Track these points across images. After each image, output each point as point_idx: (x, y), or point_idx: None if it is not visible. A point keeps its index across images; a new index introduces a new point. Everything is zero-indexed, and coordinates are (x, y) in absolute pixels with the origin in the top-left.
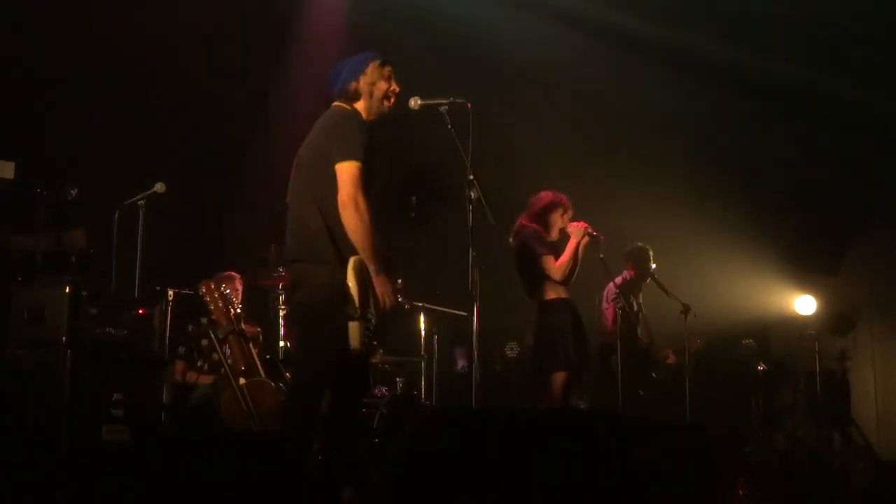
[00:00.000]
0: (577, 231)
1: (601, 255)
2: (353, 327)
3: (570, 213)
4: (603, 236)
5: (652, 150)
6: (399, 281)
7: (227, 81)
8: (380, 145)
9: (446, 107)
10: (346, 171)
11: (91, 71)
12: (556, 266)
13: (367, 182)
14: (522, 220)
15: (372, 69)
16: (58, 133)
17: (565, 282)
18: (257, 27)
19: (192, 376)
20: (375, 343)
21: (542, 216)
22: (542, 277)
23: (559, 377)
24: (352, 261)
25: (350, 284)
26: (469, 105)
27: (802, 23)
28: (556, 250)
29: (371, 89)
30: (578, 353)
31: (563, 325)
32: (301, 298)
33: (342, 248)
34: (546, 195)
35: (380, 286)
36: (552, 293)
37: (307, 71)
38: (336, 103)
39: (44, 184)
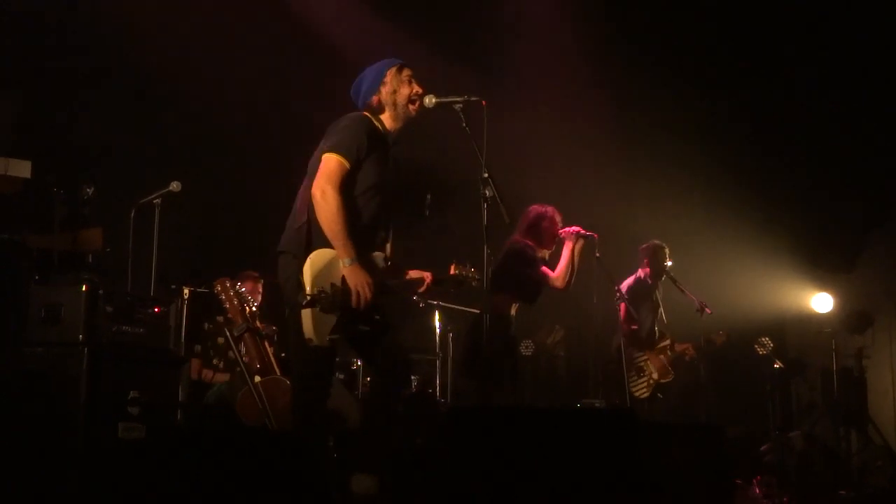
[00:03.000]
0: (569, 236)
1: (597, 255)
2: (306, 316)
3: (558, 219)
4: (596, 235)
5: (667, 148)
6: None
7: (244, 80)
8: (397, 150)
9: (461, 104)
10: (324, 162)
11: (107, 70)
12: (555, 276)
13: (356, 182)
14: (514, 236)
15: (391, 77)
16: (74, 132)
17: (567, 288)
18: (273, 27)
19: (207, 374)
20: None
21: (532, 231)
22: (506, 290)
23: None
24: (315, 251)
25: (304, 271)
26: (484, 103)
27: (814, 18)
28: (548, 262)
29: (393, 98)
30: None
31: (502, 339)
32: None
33: (315, 242)
34: (532, 210)
35: (351, 278)
36: (506, 309)
37: (326, 69)
38: None
39: (60, 183)
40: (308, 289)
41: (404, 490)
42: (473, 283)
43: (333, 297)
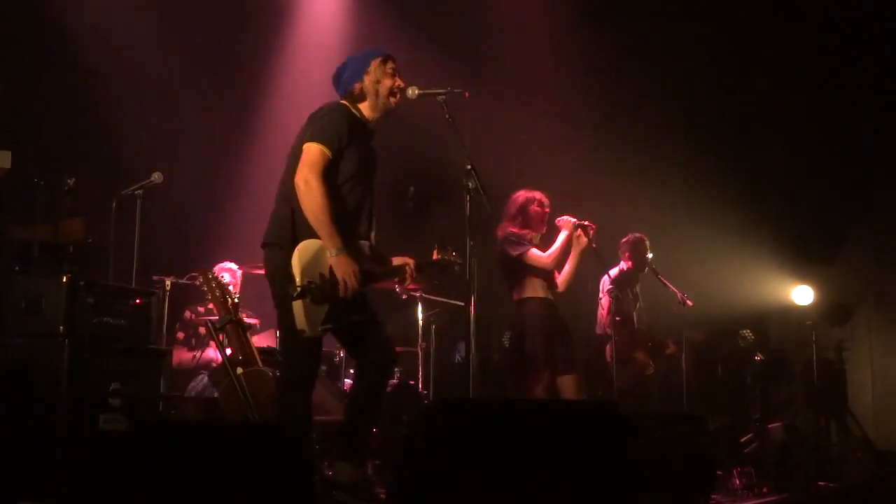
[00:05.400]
0: (568, 224)
1: (594, 245)
2: (297, 308)
3: (547, 203)
4: (594, 226)
5: (649, 140)
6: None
7: (226, 70)
8: (378, 141)
9: (444, 96)
10: (305, 152)
11: (87, 61)
12: (545, 255)
13: (339, 170)
14: (502, 225)
15: (375, 67)
16: (55, 122)
17: (557, 269)
18: (257, 17)
19: (187, 356)
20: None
21: (520, 214)
22: (517, 277)
23: (531, 379)
24: (302, 242)
25: (293, 263)
26: (467, 94)
27: (799, 11)
28: (536, 244)
29: (376, 88)
30: (551, 354)
31: (533, 326)
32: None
33: (300, 232)
34: (519, 194)
35: (339, 268)
36: (529, 292)
37: (307, 60)
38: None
39: (41, 174)
40: (298, 280)
41: (387, 480)
42: (456, 268)
43: (323, 288)
